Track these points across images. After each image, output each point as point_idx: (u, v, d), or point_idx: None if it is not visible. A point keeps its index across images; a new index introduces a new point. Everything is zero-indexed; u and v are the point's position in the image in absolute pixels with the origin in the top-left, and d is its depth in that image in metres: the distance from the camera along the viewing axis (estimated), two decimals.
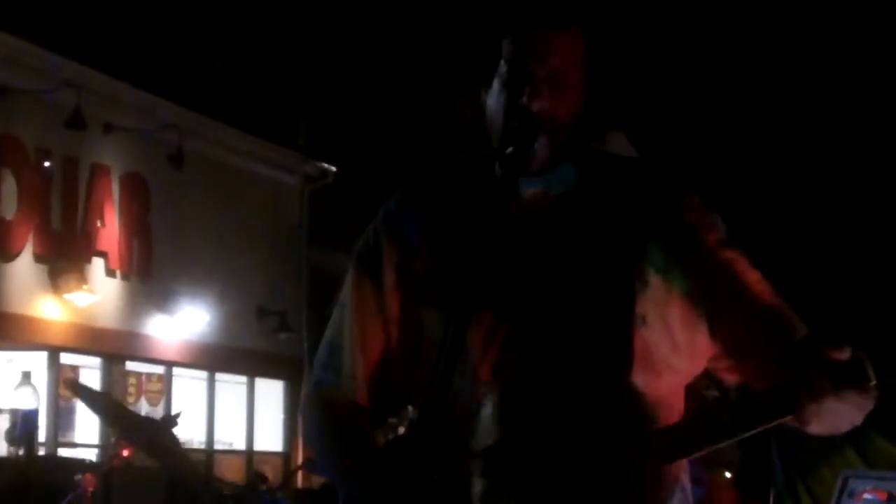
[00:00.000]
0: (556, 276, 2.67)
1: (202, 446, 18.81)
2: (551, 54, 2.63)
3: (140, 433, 6.28)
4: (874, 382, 2.45)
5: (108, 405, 7.53)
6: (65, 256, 16.01)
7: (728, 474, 6.14)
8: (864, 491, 4.12)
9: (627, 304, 2.63)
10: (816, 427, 2.49)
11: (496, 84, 2.67)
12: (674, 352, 2.67)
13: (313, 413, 2.85)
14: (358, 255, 2.84)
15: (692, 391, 2.80)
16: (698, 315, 2.67)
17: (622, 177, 2.77)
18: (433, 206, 2.79)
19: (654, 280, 2.66)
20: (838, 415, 2.48)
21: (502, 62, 2.66)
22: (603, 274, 2.65)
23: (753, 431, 2.50)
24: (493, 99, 2.68)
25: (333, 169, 21.43)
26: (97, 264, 16.77)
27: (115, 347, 17.17)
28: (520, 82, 2.62)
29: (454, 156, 2.86)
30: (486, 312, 2.59)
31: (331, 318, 2.88)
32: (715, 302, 2.68)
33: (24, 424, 11.83)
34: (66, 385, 15.36)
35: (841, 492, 4.20)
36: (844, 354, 2.44)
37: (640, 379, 2.63)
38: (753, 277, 2.73)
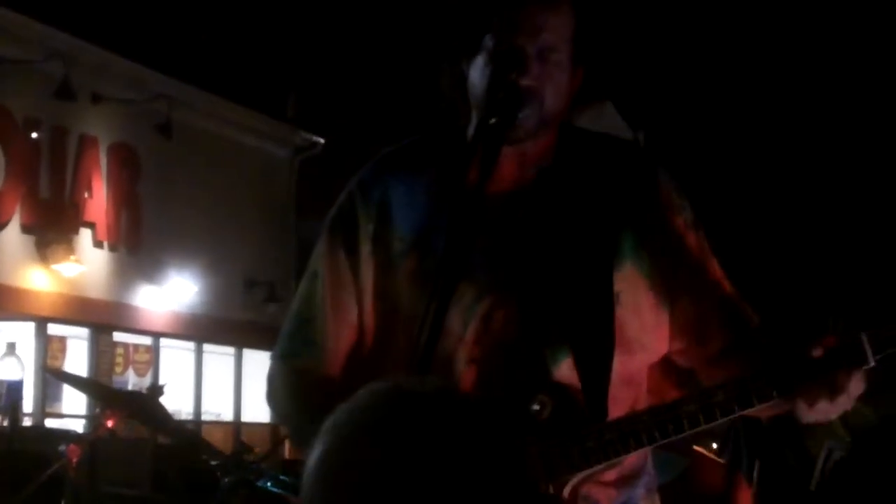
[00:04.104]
0: (536, 253, 2.65)
1: (190, 417, 18.81)
2: (541, 30, 2.60)
3: (127, 406, 6.28)
4: (872, 364, 2.44)
5: (94, 387, 7.53)
6: (53, 227, 15.98)
7: (714, 444, 6.15)
8: None
9: (607, 282, 2.62)
10: (809, 414, 2.49)
11: (482, 57, 2.63)
12: (643, 331, 2.66)
13: (285, 385, 2.80)
14: (331, 224, 2.79)
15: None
16: (662, 297, 2.67)
17: (599, 154, 2.75)
18: (410, 177, 2.74)
19: (627, 260, 2.65)
20: (833, 403, 2.46)
21: (489, 36, 2.62)
22: (583, 252, 2.64)
23: (750, 409, 2.50)
24: (478, 72, 2.64)
25: (322, 141, 21.40)
26: (85, 235, 16.75)
27: (103, 318, 17.15)
28: (508, 57, 2.58)
29: (431, 126, 2.84)
30: (465, 287, 2.56)
31: (299, 289, 2.83)
32: (676, 286, 2.67)
33: (8, 395, 11.83)
34: (49, 373, 15.37)
35: (825, 462, 4.21)
36: (831, 342, 2.44)
37: (615, 357, 2.62)
38: (713, 264, 2.73)
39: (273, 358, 2.85)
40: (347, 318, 2.75)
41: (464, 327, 2.62)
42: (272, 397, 2.84)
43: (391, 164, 2.79)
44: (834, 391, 2.44)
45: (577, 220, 2.66)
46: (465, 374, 2.61)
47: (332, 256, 2.77)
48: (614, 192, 2.68)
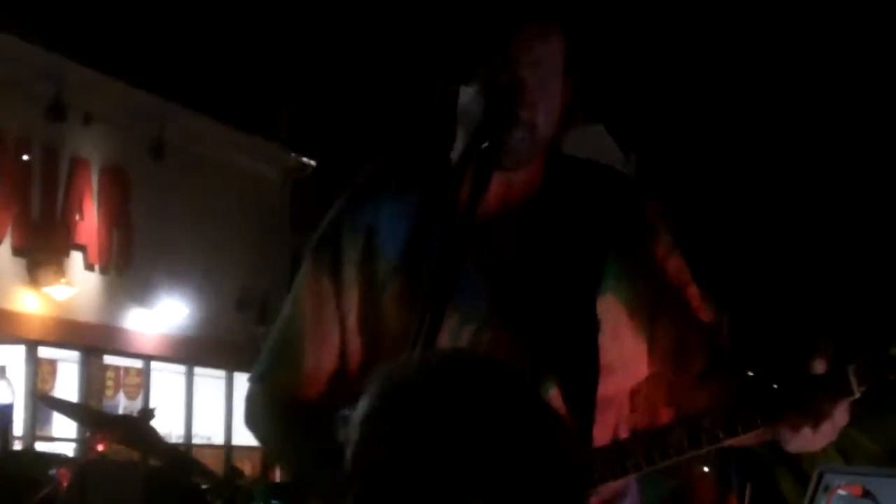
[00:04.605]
0: (521, 281, 2.64)
1: (180, 440, 18.76)
2: (534, 59, 2.60)
3: (116, 430, 6.26)
4: (857, 395, 2.43)
5: (84, 413, 7.53)
6: (43, 249, 15.96)
7: (706, 468, 6.15)
8: (839, 487, 4.10)
9: (591, 311, 2.62)
10: (794, 443, 2.48)
11: (474, 83, 2.62)
12: (622, 356, 2.66)
13: (263, 407, 2.81)
14: (315, 247, 2.77)
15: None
16: (641, 322, 2.67)
17: (585, 182, 2.74)
18: (396, 200, 2.72)
19: (609, 288, 2.65)
20: (817, 431, 2.45)
21: (482, 62, 2.61)
22: (568, 281, 2.64)
23: (736, 438, 2.49)
24: (469, 97, 2.62)
25: (313, 162, 21.40)
26: (76, 257, 16.73)
27: (94, 341, 17.12)
28: (501, 85, 2.58)
29: (414, 146, 2.83)
30: (451, 312, 2.52)
31: (282, 311, 2.82)
32: (655, 311, 2.67)
33: None
34: (39, 399, 15.34)
35: (816, 487, 4.19)
36: (821, 366, 2.42)
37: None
38: (692, 289, 2.72)
39: (251, 379, 2.85)
40: (328, 342, 2.73)
41: None
42: (251, 418, 2.86)
43: (376, 186, 2.77)
44: (818, 420, 2.43)
45: (563, 248, 2.66)
46: None
47: (314, 280, 2.75)
48: (599, 220, 2.68)
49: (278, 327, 2.81)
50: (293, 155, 21.29)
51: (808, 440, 2.47)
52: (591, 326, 2.62)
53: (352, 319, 2.71)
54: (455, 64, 2.67)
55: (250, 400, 2.85)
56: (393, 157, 2.85)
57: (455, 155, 2.67)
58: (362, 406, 1.85)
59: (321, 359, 2.73)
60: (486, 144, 2.55)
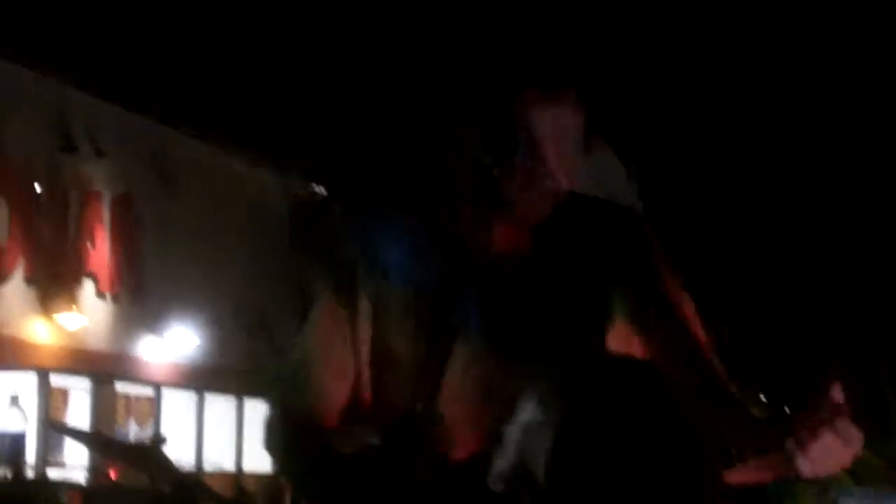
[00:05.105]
0: (527, 317, 2.70)
1: (191, 467, 18.78)
2: (552, 119, 2.64)
3: (128, 457, 6.31)
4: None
5: (95, 440, 7.58)
6: (55, 278, 16.03)
7: None
8: None
9: (599, 345, 2.68)
10: (807, 467, 2.43)
11: (486, 138, 2.66)
12: None
13: (283, 433, 2.84)
14: (329, 276, 2.84)
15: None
16: (640, 339, 2.72)
17: (589, 215, 2.80)
18: (407, 234, 2.78)
19: (616, 310, 2.71)
20: (831, 454, 2.42)
21: (493, 119, 2.66)
22: (574, 314, 2.70)
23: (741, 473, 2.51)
24: (478, 147, 2.67)
25: (322, 190, 21.45)
26: (87, 286, 16.79)
27: (105, 369, 17.17)
28: (512, 144, 2.63)
29: (423, 179, 2.89)
30: (458, 346, 2.62)
31: (297, 341, 2.87)
32: (649, 326, 2.72)
33: (11, 447, 11.87)
34: (52, 427, 15.40)
35: None
36: (839, 395, 2.41)
37: None
38: (689, 307, 2.75)
39: (269, 406, 2.91)
40: (344, 373, 2.78)
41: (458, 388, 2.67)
42: (269, 446, 2.87)
43: (385, 218, 2.83)
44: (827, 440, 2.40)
45: (569, 283, 2.71)
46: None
47: (330, 310, 2.80)
48: (600, 248, 2.74)
49: (295, 355, 2.85)
50: (302, 182, 21.33)
51: (821, 466, 2.43)
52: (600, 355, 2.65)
53: (364, 351, 2.76)
54: (465, 115, 2.72)
55: (269, 427, 2.87)
56: (401, 189, 2.89)
57: (460, 192, 2.71)
58: (545, 416, 2.00)
59: (336, 388, 2.77)
60: (495, 200, 2.63)
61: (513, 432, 2.08)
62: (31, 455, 15.09)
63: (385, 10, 19.34)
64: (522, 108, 2.62)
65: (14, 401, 12.48)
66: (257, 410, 20.31)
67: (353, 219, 2.81)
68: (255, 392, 20.07)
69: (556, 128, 2.62)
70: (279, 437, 2.86)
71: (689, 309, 2.77)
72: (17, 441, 12.16)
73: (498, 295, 2.71)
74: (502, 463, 2.08)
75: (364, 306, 2.78)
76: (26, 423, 12.70)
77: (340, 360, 2.80)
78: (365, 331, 2.78)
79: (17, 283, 15.68)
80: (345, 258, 2.84)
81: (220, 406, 19.74)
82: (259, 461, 20.42)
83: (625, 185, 3.13)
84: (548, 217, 2.73)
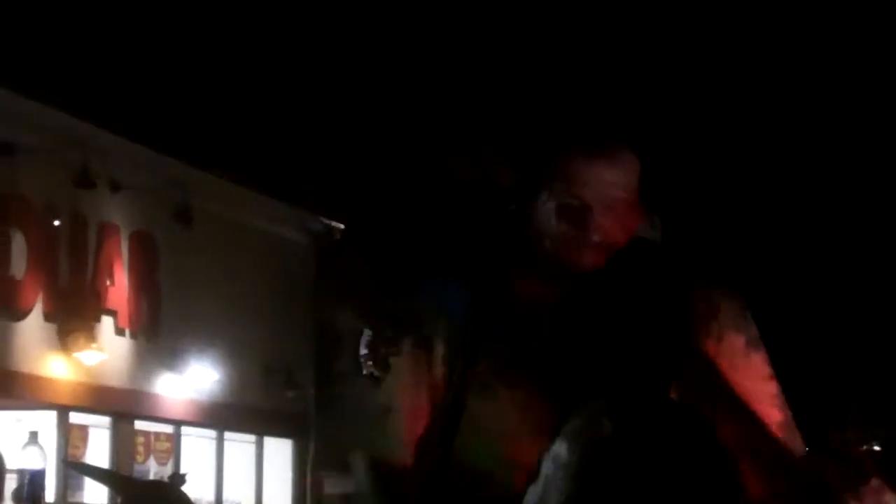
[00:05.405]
0: (575, 363, 2.74)
1: None
2: (605, 185, 2.67)
3: (147, 496, 6.26)
4: None
5: (114, 479, 7.52)
6: (74, 315, 16.03)
7: None
8: None
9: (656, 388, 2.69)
10: None
11: (548, 201, 2.71)
12: None
13: (367, 474, 2.95)
14: (413, 327, 2.92)
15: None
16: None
17: (644, 263, 2.80)
18: (477, 286, 2.85)
19: (687, 372, 2.72)
20: None
21: (554, 185, 2.71)
22: (629, 359, 2.71)
23: None
24: (544, 212, 2.72)
25: (340, 226, 21.38)
26: (106, 322, 16.79)
27: (124, 406, 17.16)
28: (571, 212, 2.68)
29: (490, 233, 2.90)
30: (509, 389, 2.70)
31: (383, 385, 2.97)
32: (714, 412, 2.67)
33: (31, 485, 11.80)
34: (69, 466, 15.37)
35: None
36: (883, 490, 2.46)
37: None
38: (773, 389, 2.74)
39: (353, 449, 3.01)
40: (422, 415, 2.89)
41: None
42: (358, 481, 2.98)
43: (459, 273, 2.89)
44: None
45: (623, 330, 2.73)
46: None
47: (413, 357, 2.92)
48: (658, 304, 2.75)
49: (382, 399, 2.96)
50: (320, 218, 21.31)
51: None
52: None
53: (439, 393, 2.86)
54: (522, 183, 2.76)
55: (359, 469, 2.98)
56: (455, 243, 2.97)
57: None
58: (573, 457, 2.03)
59: (417, 430, 2.89)
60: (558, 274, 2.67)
61: (545, 467, 2.11)
62: (50, 493, 15.04)
63: (426, 54, 19.37)
64: (569, 169, 2.63)
65: (33, 438, 12.42)
66: (276, 449, 20.29)
67: (420, 274, 2.91)
68: (274, 430, 20.06)
69: (605, 186, 2.62)
70: (364, 480, 2.96)
71: (764, 387, 2.74)
72: (37, 478, 12.07)
73: (543, 339, 2.76)
74: (531, 497, 2.13)
75: (439, 349, 2.89)
76: (45, 461, 12.64)
77: (421, 403, 2.91)
78: (440, 372, 2.88)
79: (35, 319, 15.67)
80: (419, 305, 2.94)
81: (239, 444, 19.69)
82: (279, 499, 20.38)
83: (649, 235, 3.14)
84: (601, 266, 2.76)
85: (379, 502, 2.90)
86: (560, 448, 2.05)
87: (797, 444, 2.72)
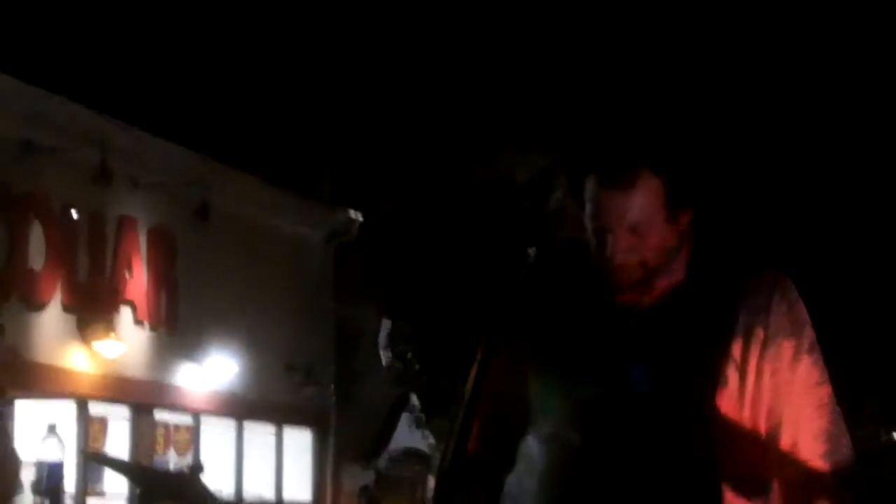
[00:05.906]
0: (657, 369, 2.77)
1: (231, 497, 18.78)
2: (624, 211, 2.71)
3: (167, 488, 6.33)
4: None
5: (133, 470, 7.59)
6: (93, 307, 16.09)
7: None
8: None
9: (710, 402, 2.74)
10: None
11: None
12: (735, 443, 2.76)
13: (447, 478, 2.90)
14: (497, 322, 2.85)
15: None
16: (763, 421, 2.76)
17: (727, 274, 2.85)
18: (549, 290, 2.92)
19: (732, 377, 2.75)
20: None
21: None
22: (688, 370, 2.75)
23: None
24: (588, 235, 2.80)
25: (359, 219, 21.35)
26: (125, 314, 16.85)
27: (144, 397, 17.22)
28: (603, 236, 2.73)
29: (558, 238, 2.95)
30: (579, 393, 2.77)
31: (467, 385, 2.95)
32: (777, 418, 2.76)
33: (49, 476, 11.87)
34: (89, 457, 15.43)
35: None
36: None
37: None
38: (818, 393, 2.77)
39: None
40: (501, 407, 2.97)
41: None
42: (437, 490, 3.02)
43: (533, 278, 2.86)
44: None
45: (687, 337, 2.77)
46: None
47: (494, 350, 2.87)
48: (725, 310, 2.78)
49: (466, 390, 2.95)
50: (339, 213, 21.26)
51: None
52: (706, 417, 2.77)
53: (522, 387, 2.96)
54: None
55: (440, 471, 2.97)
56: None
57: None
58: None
59: (493, 420, 2.97)
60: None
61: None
62: (69, 484, 15.10)
63: (444, 54, 19.37)
64: (590, 194, 2.68)
65: (52, 430, 12.48)
66: (296, 439, 20.33)
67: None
68: (294, 421, 20.09)
69: (622, 211, 2.66)
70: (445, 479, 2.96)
71: (822, 393, 2.78)
72: (56, 470, 12.14)
73: (628, 346, 2.81)
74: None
75: (522, 344, 2.93)
76: (64, 453, 12.69)
77: (499, 395, 2.92)
78: (522, 367, 2.94)
79: (55, 311, 15.73)
80: (499, 301, 2.87)
81: (259, 434, 19.73)
82: (298, 490, 20.43)
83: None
84: (683, 272, 2.82)
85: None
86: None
87: (841, 452, 2.74)
